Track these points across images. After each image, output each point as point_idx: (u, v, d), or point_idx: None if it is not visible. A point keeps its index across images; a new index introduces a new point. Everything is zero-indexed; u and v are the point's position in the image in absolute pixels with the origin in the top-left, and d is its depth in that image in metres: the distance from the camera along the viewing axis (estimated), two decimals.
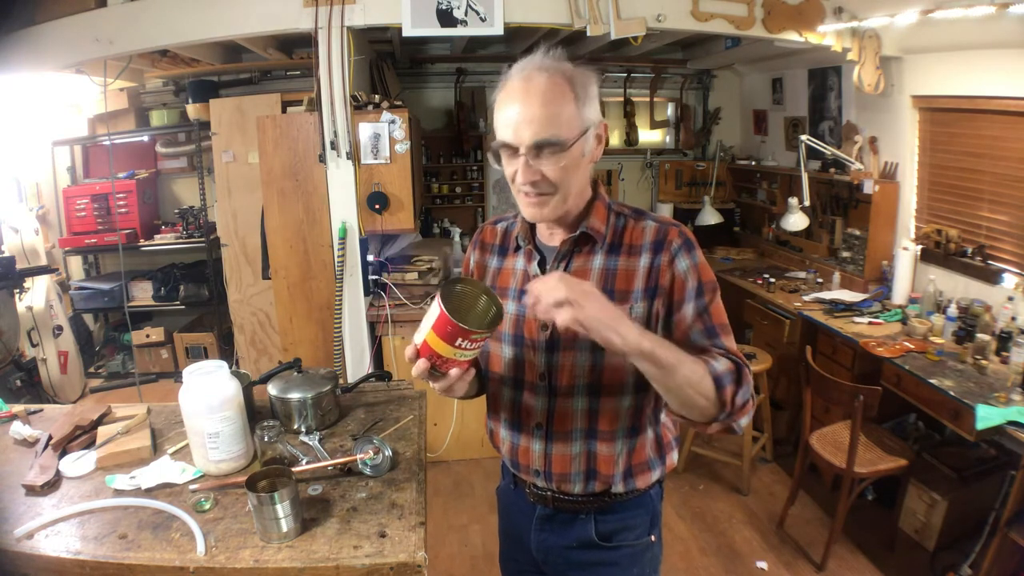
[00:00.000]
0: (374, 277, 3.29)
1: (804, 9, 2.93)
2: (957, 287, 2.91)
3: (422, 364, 0.99)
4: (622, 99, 4.89)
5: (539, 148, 1.01)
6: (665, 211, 4.82)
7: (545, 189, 1.04)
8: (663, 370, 0.95)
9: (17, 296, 3.74)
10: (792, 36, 2.96)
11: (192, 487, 1.29)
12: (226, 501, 1.26)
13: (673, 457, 1.23)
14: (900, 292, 3.16)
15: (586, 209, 1.13)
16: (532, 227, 1.19)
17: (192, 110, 4.01)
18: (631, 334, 0.91)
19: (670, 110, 5.13)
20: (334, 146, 2.90)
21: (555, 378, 1.14)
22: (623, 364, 1.08)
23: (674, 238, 1.09)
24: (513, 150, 1.03)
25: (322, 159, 2.96)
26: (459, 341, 0.95)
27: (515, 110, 1.01)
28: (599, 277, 1.11)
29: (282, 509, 1.12)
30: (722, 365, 1.02)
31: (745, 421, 1.06)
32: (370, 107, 2.99)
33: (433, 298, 0.99)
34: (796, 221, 3.68)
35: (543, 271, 1.15)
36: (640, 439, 1.17)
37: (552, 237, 1.17)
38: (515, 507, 1.31)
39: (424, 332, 0.98)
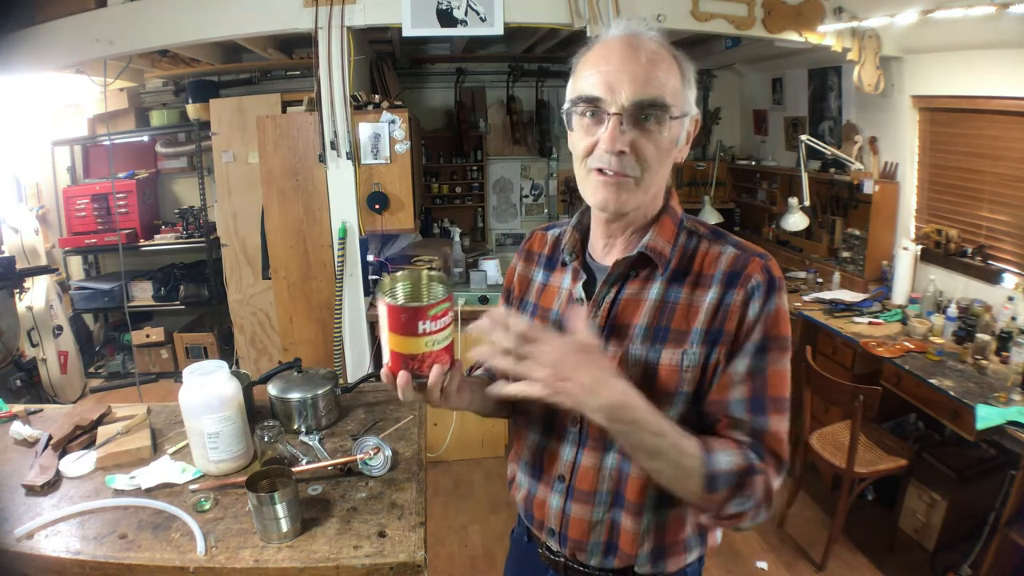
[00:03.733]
0: (374, 277, 3.28)
1: (804, 9, 2.92)
2: (957, 287, 2.91)
3: (402, 377, 0.85)
4: None
5: (639, 110, 0.83)
6: None
7: (629, 168, 0.85)
8: (637, 449, 0.83)
9: (17, 296, 3.74)
10: (792, 36, 2.96)
11: (192, 487, 1.29)
12: (226, 501, 1.26)
13: (717, 536, 1.03)
14: (900, 292, 3.16)
15: (652, 222, 0.94)
16: (584, 239, 1.00)
17: (192, 110, 4.01)
18: (604, 399, 0.79)
19: None
20: (334, 146, 2.90)
21: (588, 425, 0.95)
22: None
23: (754, 272, 0.87)
24: (599, 112, 0.85)
25: (322, 159, 2.96)
26: (420, 326, 0.84)
27: (615, 65, 0.84)
28: (653, 311, 0.91)
29: (282, 509, 1.12)
30: (727, 461, 0.83)
31: (744, 525, 0.87)
32: (370, 107, 2.99)
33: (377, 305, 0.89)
34: (796, 221, 3.68)
35: (588, 295, 0.96)
36: (677, 513, 0.96)
37: (607, 253, 0.97)
38: (526, 563, 1.14)
39: (386, 344, 0.88)
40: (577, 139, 0.90)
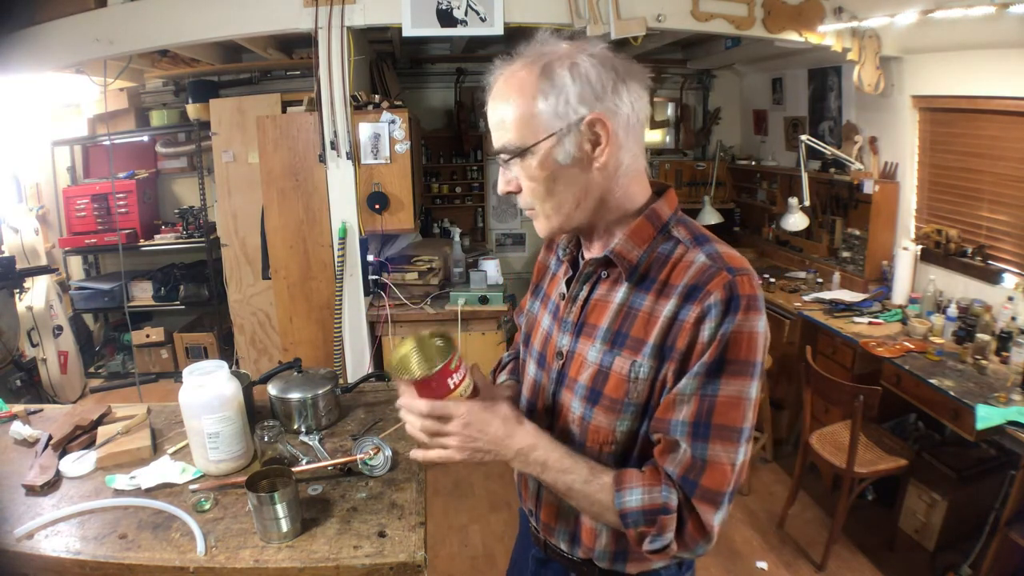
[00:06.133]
0: (374, 277, 3.29)
1: (804, 9, 2.92)
2: (957, 287, 2.91)
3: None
4: None
5: (504, 157, 0.89)
6: None
7: (526, 202, 0.91)
8: (552, 488, 0.92)
9: (17, 296, 3.74)
10: (792, 36, 2.96)
11: (192, 487, 1.29)
12: (226, 501, 1.26)
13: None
14: (900, 292, 3.16)
15: (625, 223, 0.91)
16: (579, 237, 1.02)
17: (192, 110, 4.01)
18: (512, 448, 0.89)
19: (670, 110, 5.13)
20: (334, 146, 2.90)
21: (556, 415, 0.98)
22: (612, 428, 0.90)
23: (715, 289, 0.81)
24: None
25: (322, 159, 2.96)
26: (450, 382, 0.88)
27: (486, 118, 0.92)
28: (616, 315, 0.90)
29: (282, 509, 1.12)
30: (637, 499, 0.83)
31: (683, 555, 0.88)
32: (370, 107, 2.99)
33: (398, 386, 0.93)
34: (796, 221, 3.68)
35: (570, 291, 1.00)
36: None
37: (588, 252, 0.98)
38: (524, 539, 1.19)
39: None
40: None
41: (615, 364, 0.88)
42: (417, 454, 0.91)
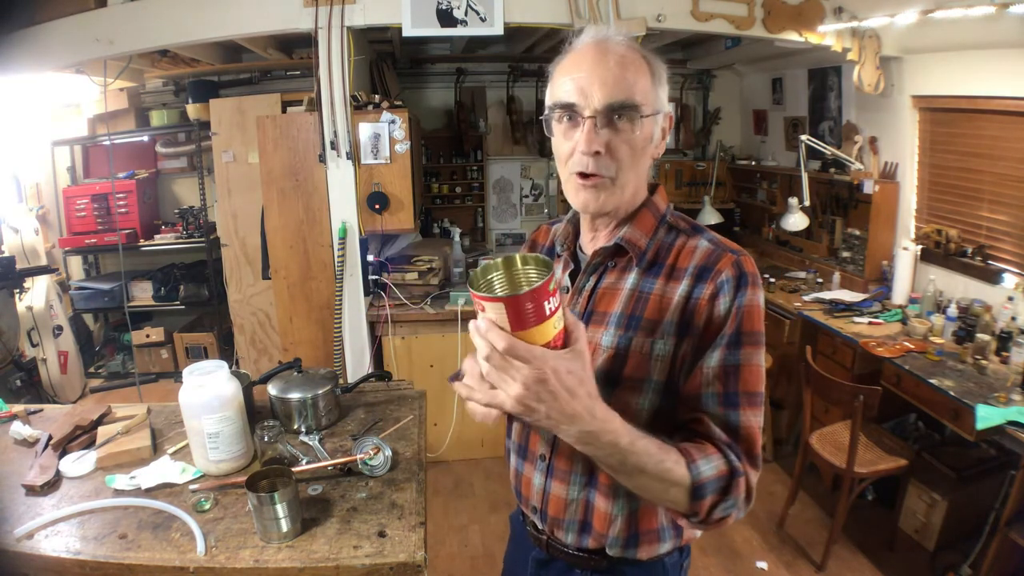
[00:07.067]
0: (374, 277, 3.29)
1: (804, 9, 2.92)
2: (957, 287, 2.91)
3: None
4: None
5: (611, 113, 0.88)
6: None
7: (605, 169, 0.90)
8: (621, 472, 0.81)
9: (17, 296, 3.74)
10: (792, 36, 2.96)
11: (192, 487, 1.29)
12: (226, 501, 1.26)
13: (695, 531, 1.03)
14: (900, 292, 3.16)
15: (631, 215, 0.98)
16: (576, 231, 1.06)
17: (192, 110, 4.01)
18: (580, 426, 0.74)
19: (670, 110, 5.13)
20: (334, 146, 2.90)
21: None
22: (635, 408, 0.91)
23: (725, 267, 0.89)
24: (575, 116, 0.90)
25: (322, 159, 2.96)
26: (547, 307, 0.70)
27: (586, 71, 0.88)
28: (628, 300, 0.94)
29: (282, 509, 1.12)
30: (711, 468, 0.82)
31: (726, 524, 0.87)
32: (370, 107, 2.99)
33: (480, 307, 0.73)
34: (796, 221, 3.68)
35: (573, 283, 1.01)
36: (648, 501, 0.96)
37: (593, 244, 1.01)
38: (519, 540, 1.18)
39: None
40: (557, 144, 0.94)
41: (633, 345, 0.92)
42: (460, 389, 0.78)
